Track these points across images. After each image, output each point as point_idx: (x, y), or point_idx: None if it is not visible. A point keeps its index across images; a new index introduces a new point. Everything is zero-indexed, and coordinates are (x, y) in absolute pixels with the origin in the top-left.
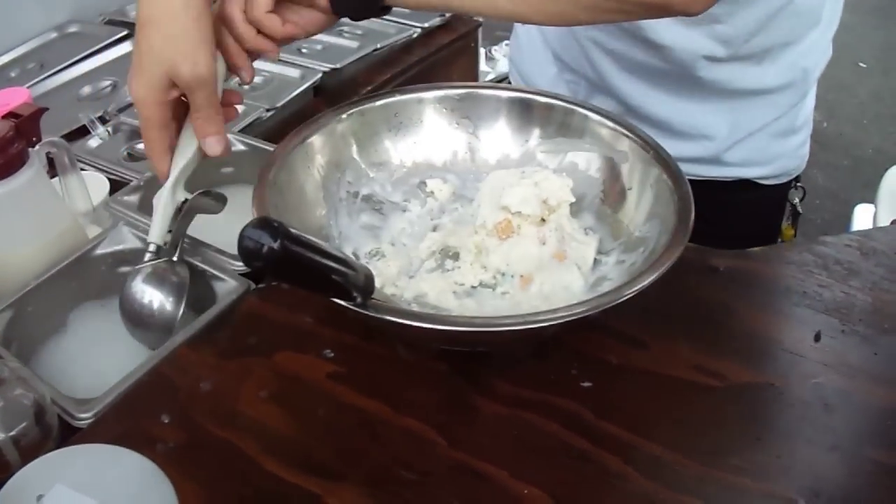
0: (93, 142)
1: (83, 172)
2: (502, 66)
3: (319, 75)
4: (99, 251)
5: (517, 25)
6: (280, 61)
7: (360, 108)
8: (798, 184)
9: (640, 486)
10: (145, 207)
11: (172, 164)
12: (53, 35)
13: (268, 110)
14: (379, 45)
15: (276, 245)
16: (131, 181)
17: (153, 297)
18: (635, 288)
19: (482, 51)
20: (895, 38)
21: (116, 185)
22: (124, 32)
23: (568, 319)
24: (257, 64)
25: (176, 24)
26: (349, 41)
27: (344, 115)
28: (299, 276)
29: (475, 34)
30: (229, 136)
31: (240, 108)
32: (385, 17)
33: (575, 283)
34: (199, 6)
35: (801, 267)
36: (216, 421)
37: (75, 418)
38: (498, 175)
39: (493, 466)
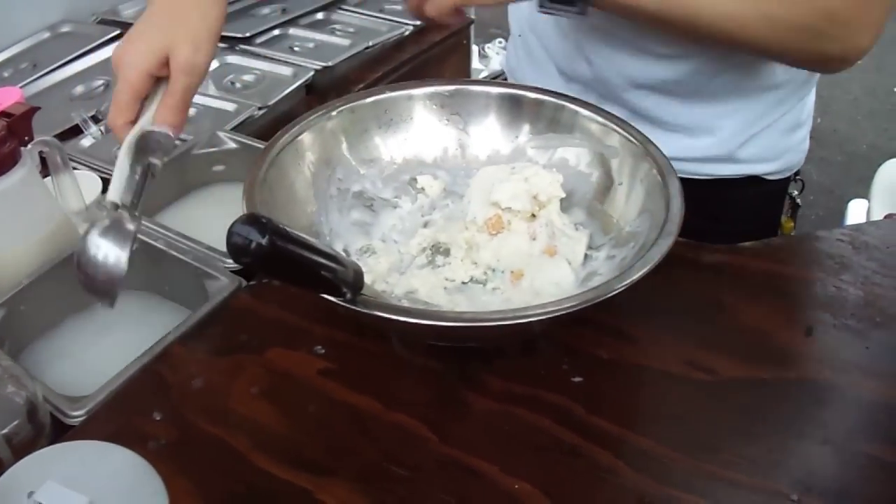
0: (85, 141)
1: (76, 171)
2: (495, 63)
3: (311, 73)
4: None
5: (516, 39)
6: (272, 59)
7: (350, 105)
8: (797, 177)
9: (631, 480)
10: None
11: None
12: (46, 35)
13: (260, 108)
14: (371, 43)
15: (264, 241)
16: None
17: (99, 248)
18: (625, 283)
19: (475, 48)
20: (889, 34)
21: (108, 184)
22: (117, 32)
23: (556, 314)
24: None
25: (193, 11)
26: (341, 39)
27: (334, 113)
28: (288, 272)
29: (467, 31)
30: (220, 133)
31: (231, 106)
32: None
33: (565, 279)
34: (220, 4)
35: (793, 262)
36: (208, 418)
37: (67, 416)
38: (488, 171)
39: (484, 462)
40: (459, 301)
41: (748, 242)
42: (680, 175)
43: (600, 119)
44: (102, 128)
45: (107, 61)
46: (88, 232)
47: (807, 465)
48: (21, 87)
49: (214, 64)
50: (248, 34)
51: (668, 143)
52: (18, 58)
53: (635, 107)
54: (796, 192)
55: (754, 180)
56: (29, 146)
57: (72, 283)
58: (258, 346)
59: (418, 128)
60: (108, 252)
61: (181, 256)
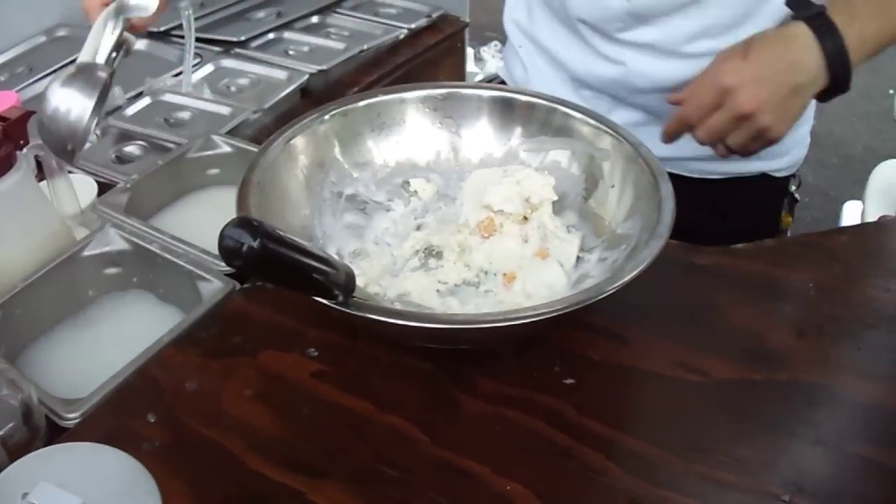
0: None
1: (71, 175)
2: (491, 66)
3: (306, 77)
4: (86, 253)
5: (517, 51)
6: (267, 63)
7: (343, 108)
8: (796, 172)
9: (622, 481)
10: (133, 209)
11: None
12: (42, 39)
13: (255, 112)
14: (365, 47)
15: (255, 244)
16: (119, 183)
17: (62, 99)
18: (615, 285)
19: (471, 51)
20: None
21: (104, 188)
22: None
23: (547, 316)
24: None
25: None
26: (336, 42)
27: (327, 116)
28: (280, 275)
29: (462, 35)
30: (215, 137)
31: (226, 109)
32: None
33: (557, 281)
34: None
35: (785, 263)
36: (202, 420)
37: (62, 418)
38: (480, 174)
39: (477, 463)
40: (452, 303)
41: (740, 244)
42: (694, 175)
43: (592, 122)
44: (98, 131)
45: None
46: (50, 83)
47: (798, 466)
48: (17, 91)
49: (209, 68)
50: (242, 38)
51: (684, 143)
52: (14, 62)
53: (653, 108)
54: (794, 188)
55: (762, 178)
56: (24, 150)
57: (67, 287)
58: (252, 348)
59: (411, 131)
60: (73, 104)
61: (175, 259)
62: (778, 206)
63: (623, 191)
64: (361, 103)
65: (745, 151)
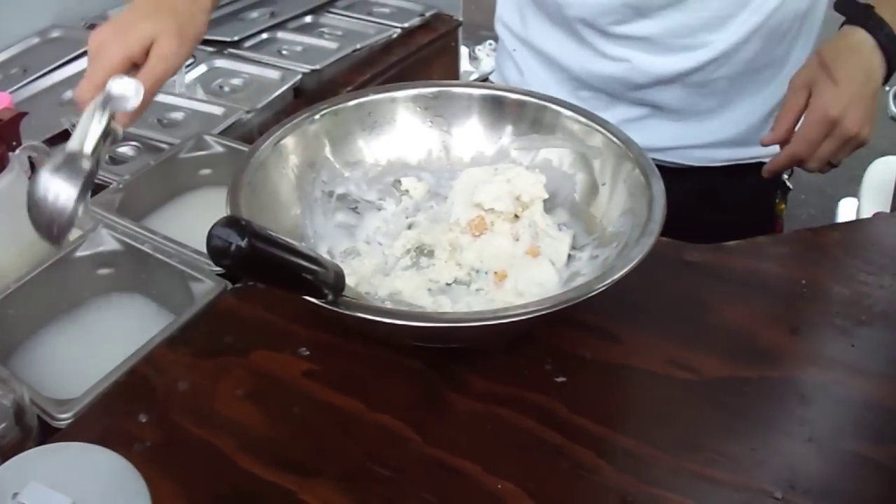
0: None
1: None
2: (486, 65)
3: (299, 76)
4: (78, 254)
5: (511, 54)
6: (260, 63)
7: (334, 108)
8: None
9: (613, 479)
10: (125, 210)
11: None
12: (36, 40)
13: (247, 112)
14: (359, 46)
15: (243, 243)
16: (112, 184)
17: (49, 187)
18: (605, 283)
19: (465, 50)
20: None
21: (97, 188)
22: None
23: (537, 314)
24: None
25: (182, 4)
26: (329, 42)
27: (317, 116)
28: (269, 274)
29: (455, 34)
30: (207, 137)
31: (219, 110)
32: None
33: (549, 279)
34: (207, 6)
35: (779, 260)
36: (193, 420)
37: (55, 419)
38: (471, 172)
39: (467, 461)
40: (443, 302)
41: (732, 242)
42: (695, 164)
43: (582, 119)
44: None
45: None
46: (39, 170)
47: (791, 464)
48: (10, 93)
49: (203, 68)
50: (236, 38)
51: (684, 132)
52: (8, 63)
53: (652, 101)
54: (786, 176)
55: (759, 165)
56: (17, 151)
57: (59, 287)
58: (243, 348)
59: (402, 130)
60: (59, 191)
61: (167, 260)
62: (773, 193)
63: (614, 188)
64: (352, 102)
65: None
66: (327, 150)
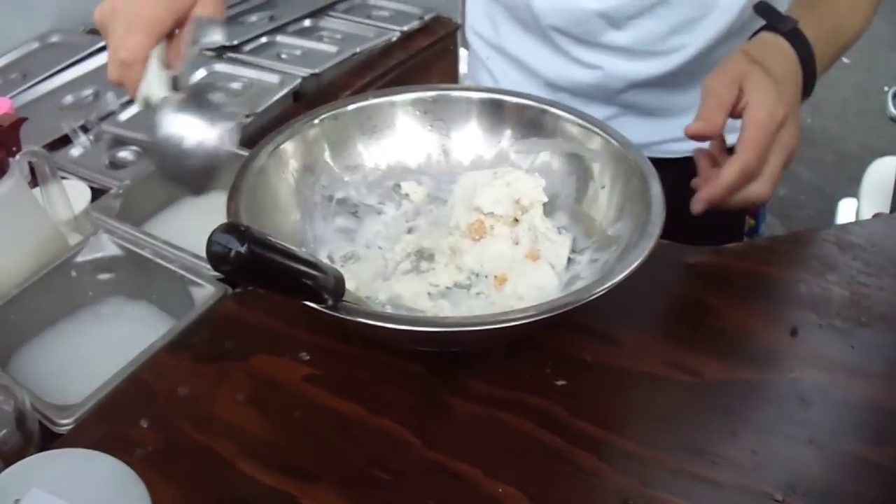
0: (75, 150)
1: (64, 181)
2: None
3: (299, 80)
4: (79, 259)
5: (484, 63)
6: (259, 67)
7: (333, 112)
8: None
9: (614, 482)
10: (125, 215)
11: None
12: (35, 45)
13: (247, 116)
14: (358, 49)
15: (243, 249)
16: (112, 189)
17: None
18: (604, 286)
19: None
20: (879, 33)
21: (98, 194)
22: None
23: (536, 318)
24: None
25: None
26: (328, 46)
27: (316, 121)
28: (269, 280)
29: (454, 37)
30: None
31: None
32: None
33: (549, 283)
34: None
35: (778, 262)
36: (194, 425)
37: (56, 424)
38: (470, 176)
39: (468, 465)
40: (443, 306)
41: (731, 244)
42: (675, 155)
43: (581, 122)
44: (91, 137)
45: (96, 71)
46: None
47: (791, 466)
48: (10, 98)
49: (202, 72)
50: (235, 42)
51: (661, 127)
52: (8, 68)
53: (629, 103)
54: None
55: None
56: (17, 156)
57: (60, 292)
58: (243, 353)
59: (401, 134)
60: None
61: (167, 265)
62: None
63: (613, 191)
64: (351, 107)
65: None
66: (327, 155)
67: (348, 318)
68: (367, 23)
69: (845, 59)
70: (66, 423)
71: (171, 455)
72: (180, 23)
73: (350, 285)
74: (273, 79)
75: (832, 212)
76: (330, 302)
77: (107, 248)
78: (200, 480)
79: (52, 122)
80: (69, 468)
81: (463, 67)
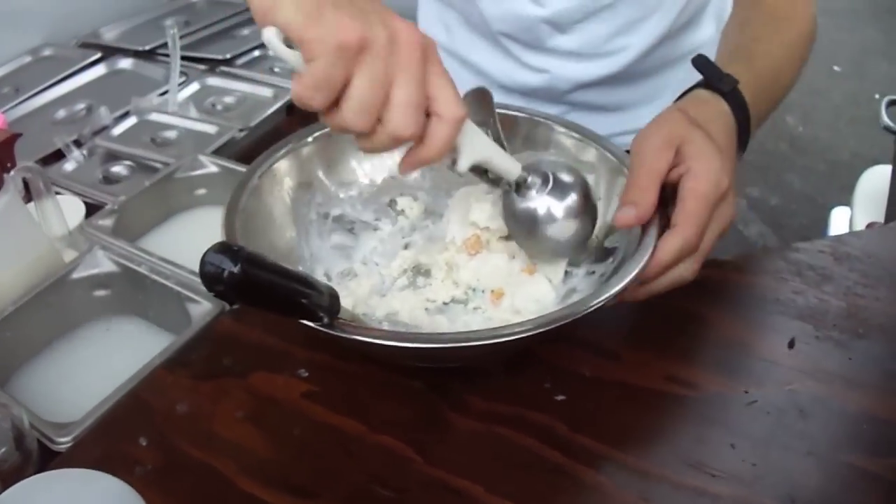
0: (68, 165)
1: (59, 196)
2: None
3: None
4: (75, 275)
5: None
6: (252, 81)
7: (327, 129)
8: None
9: (615, 497)
10: (120, 231)
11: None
12: (28, 59)
13: (241, 130)
14: None
15: (236, 269)
16: (106, 204)
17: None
18: (600, 298)
19: None
20: (869, 41)
21: (92, 209)
22: (98, 55)
23: (532, 333)
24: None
25: None
26: None
27: (310, 138)
28: (263, 299)
29: None
30: (202, 157)
31: (213, 128)
32: None
33: (546, 296)
34: None
35: (775, 274)
36: (193, 443)
37: (54, 442)
38: (465, 191)
39: (469, 482)
40: (441, 322)
41: (729, 256)
42: (626, 148)
43: (576, 135)
44: (85, 152)
45: (88, 85)
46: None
47: (791, 478)
48: (3, 113)
49: (195, 86)
50: (228, 56)
51: (614, 121)
52: (0, 83)
53: (577, 101)
54: None
55: None
56: (11, 172)
57: (56, 309)
58: (242, 370)
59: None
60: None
61: (164, 281)
62: None
63: (609, 204)
64: None
65: None
66: (321, 172)
67: (343, 335)
68: None
69: (836, 68)
70: (64, 442)
71: (170, 473)
72: None
73: (347, 302)
74: (266, 92)
75: (824, 221)
76: (325, 320)
77: (102, 264)
78: (201, 498)
79: (45, 136)
80: (70, 489)
81: None
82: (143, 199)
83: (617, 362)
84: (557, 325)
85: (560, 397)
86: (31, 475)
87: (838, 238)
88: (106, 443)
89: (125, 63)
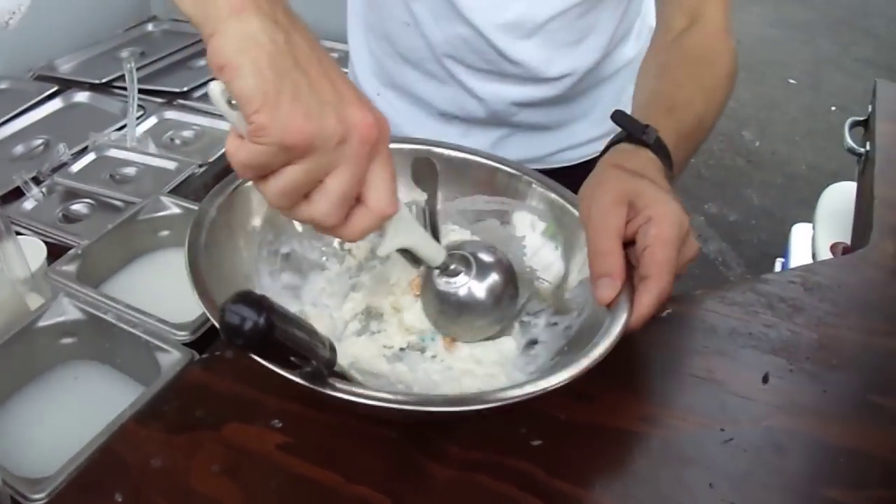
0: (27, 204)
1: (19, 237)
2: None
3: None
4: (40, 324)
5: (374, 98)
6: (210, 114)
7: None
8: None
9: None
10: (84, 276)
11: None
12: None
13: (200, 166)
14: None
15: (261, 321)
16: (67, 244)
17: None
18: (594, 358)
19: None
20: (824, 53)
21: (52, 248)
22: (54, 88)
23: (530, 397)
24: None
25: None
26: None
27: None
28: (281, 354)
29: None
30: (164, 198)
31: (172, 164)
32: None
33: (505, 344)
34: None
35: (746, 307)
36: (170, 499)
37: (29, 499)
38: None
39: None
40: (401, 370)
41: (699, 291)
42: (568, 164)
43: (538, 186)
44: (44, 189)
45: (46, 119)
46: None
47: None
48: None
49: (153, 120)
50: (185, 88)
51: (554, 139)
52: None
53: (519, 123)
54: None
55: None
56: None
57: (23, 358)
58: (215, 421)
59: None
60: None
61: (132, 330)
62: None
63: (567, 252)
64: None
65: None
66: (269, 208)
67: (349, 398)
68: None
69: (792, 81)
70: (39, 499)
71: None
72: None
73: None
74: (224, 126)
75: (784, 235)
76: (325, 373)
77: (68, 311)
78: None
79: (2, 173)
80: None
81: None
82: (107, 242)
83: (591, 404)
84: (555, 387)
85: (536, 442)
86: None
87: (808, 268)
88: (81, 499)
89: (81, 96)
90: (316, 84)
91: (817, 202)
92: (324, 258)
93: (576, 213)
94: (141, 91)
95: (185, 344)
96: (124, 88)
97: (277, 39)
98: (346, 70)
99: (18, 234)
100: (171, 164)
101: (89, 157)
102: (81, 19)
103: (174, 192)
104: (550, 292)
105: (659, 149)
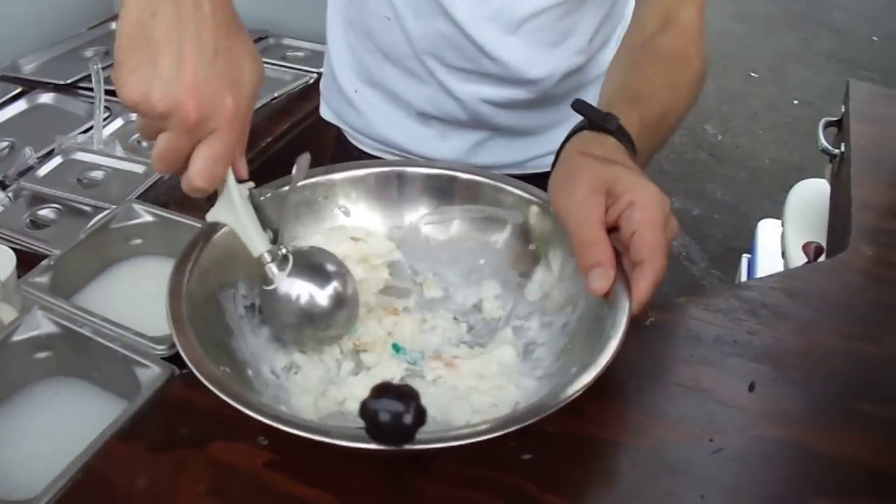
0: None
1: None
2: None
3: None
4: (14, 338)
5: (352, 96)
6: None
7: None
8: None
9: None
10: (57, 287)
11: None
12: None
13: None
14: (276, 94)
15: (410, 417)
16: (36, 251)
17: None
18: (600, 369)
19: None
20: (786, 47)
21: (21, 255)
22: (18, 89)
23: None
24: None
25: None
26: None
27: (220, 231)
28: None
29: None
30: (136, 206)
31: (140, 168)
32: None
33: (505, 354)
34: None
35: (729, 314)
36: None
37: None
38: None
39: None
40: None
41: (682, 298)
42: (536, 170)
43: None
44: (10, 194)
45: (10, 121)
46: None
47: None
48: None
49: (119, 122)
50: None
51: (531, 145)
52: None
53: (497, 127)
54: None
55: None
56: None
57: None
58: (199, 439)
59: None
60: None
61: (109, 344)
62: None
63: (550, 252)
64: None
65: None
66: (236, 261)
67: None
68: (283, 65)
69: (753, 74)
70: None
71: None
72: None
73: (306, 399)
74: None
75: (748, 230)
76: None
77: (43, 325)
78: None
79: None
80: None
81: None
82: (79, 251)
83: (580, 416)
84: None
85: (527, 456)
86: None
87: (789, 273)
88: None
89: (46, 98)
90: (159, 61)
91: (785, 199)
92: None
93: (547, 207)
94: (106, 92)
95: (163, 358)
96: (89, 89)
97: (143, 15)
98: (321, 70)
99: None
100: (138, 168)
101: (56, 161)
102: (44, 18)
103: (143, 196)
104: (536, 291)
105: (621, 136)
